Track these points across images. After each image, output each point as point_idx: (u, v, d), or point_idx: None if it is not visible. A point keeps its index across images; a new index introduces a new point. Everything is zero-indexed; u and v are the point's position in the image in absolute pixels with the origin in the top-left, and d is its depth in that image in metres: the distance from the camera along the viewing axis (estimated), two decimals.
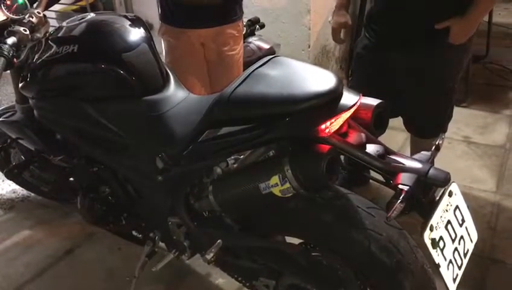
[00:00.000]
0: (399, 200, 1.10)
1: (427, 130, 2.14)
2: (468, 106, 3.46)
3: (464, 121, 3.21)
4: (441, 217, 1.19)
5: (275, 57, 1.36)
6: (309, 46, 3.22)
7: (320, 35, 3.30)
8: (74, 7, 4.08)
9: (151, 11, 4.05)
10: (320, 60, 3.42)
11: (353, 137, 1.22)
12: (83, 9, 4.13)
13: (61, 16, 3.84)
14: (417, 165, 1.18)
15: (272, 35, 2.95)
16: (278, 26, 3.17)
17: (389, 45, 2.00)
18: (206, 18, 2.16)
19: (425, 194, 1.19)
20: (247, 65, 2.40)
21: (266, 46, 2.72)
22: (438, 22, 1.85)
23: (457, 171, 2.57)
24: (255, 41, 2.71)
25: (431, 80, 1.96)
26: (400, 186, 1.13)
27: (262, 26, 2.84)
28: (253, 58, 2.63)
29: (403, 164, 1.19)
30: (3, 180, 2.69)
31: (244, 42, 2.47)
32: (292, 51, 3.15)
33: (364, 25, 2.21)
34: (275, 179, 1.22)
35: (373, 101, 1.28)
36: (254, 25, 2.80)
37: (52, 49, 1.60)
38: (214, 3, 2.13)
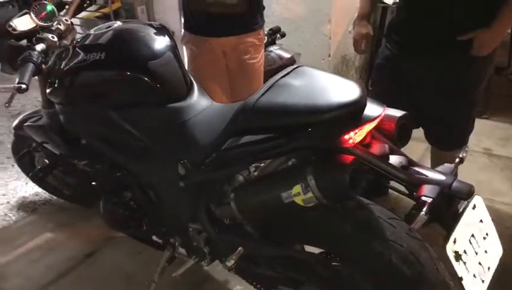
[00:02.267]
0: (422, 212, 1.10)
1: (448, 142, 2.13)
2: (489, 117, 3.43)
3: (485, 133, 3.18)
4: (465, 230, 1.18)
5: (299, 67, 1.37)
6: (329, 56, 3.23)
7: (340, 45, 3.31)
8: (97, 14, 4.15)
9: (173, 19, 4.11)
10: (340, 69, 3.42)
11: (376, 148, 1.23)
12: (106, 17, 4.21)
13: (85, 22, 3.91)
14: (440, 177, 1.18)
15: (292, 45, 2.97)
16: (299, 36, 3.19)
17: (410, 56, 1.99)
18: (227, 27, 2.19)
19: (448, 206, 1.19)
20: (267, 74, 2.42)
21: (287, 55, 2.74)
22: (461, 33, 1.84)
23: (478, 184, 2.50)
24: (275, 50, 2.74)
25: (453, 91, 1.95)
26: (423, 198, 1.13)
27: (283, 35, 2.87)
28: (274, 67, 2.66)
29: (426, 176, 1.19)
30: (26, 183, 2.74)
31: (265, 51, 2.49)
32: (312, 60, 3.16)
33: (385, 35, 2.21)
34: (298, 188, 1.23)
35: (397, 113, 1.28)
36: (275, 34, 2.83)
37: (80, 56, 1.63)
38: (235, 12, 2.16)
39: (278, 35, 2.84)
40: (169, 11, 4.16)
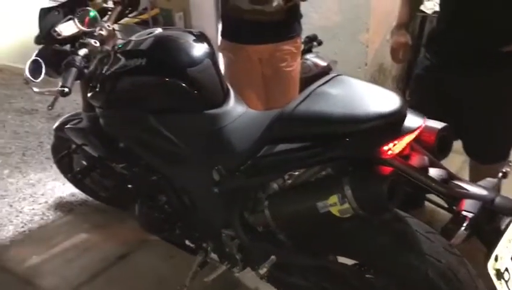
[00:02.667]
0: (462, 227, 1.08)
1: (488, 156, 2.07)
2: None
3: None
4: (507, 247, 1.14)
5: (337, 75, 1.36)
6: (366, 64, 3.21)
7: (377, 53, 3.28)
8: (136, 20, 4.24)
9: (209, 26, 4.16)
10: (376, 78, 3.39)
11: (416, 160, 1.20)
12: (144, 23, 4.28)
13: (124, 28, 4.00)
14: (482, 191, 1.15)
15: (329, 53, 2.95)
16: (335, 44, 3.17)
17: (451, 67, 1.95)
18: (265, 34, 2.20)
19: (490, 222, 1.15)
20: (303, 81, 2.42)
21: (323, 63, 2.73)
22: (506, 44, 1.79)
23: None
24: (312, 58, 2.73)
25: (495, 104, 1.90)
26: (464, 213, 1.10)
27: (319, 43, 2.86)
28: (310, 74, 2.65)
29: (468, 190, 1.16)
30: (64, 184, 2.81)
31: (301, 59, 2.48)
32: (349, 68, 3.14)
33: (424, 45, 2.17)
34: (334, 199, 1.22)
35: (437, 124, 1.26)
36: (311, 42, 2.82)
37: (121, 62, 1.67)
38: (273, 20, 2.16)
39: (315, 43, 2.83)
40: (206, 18, 4.21)
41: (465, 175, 2.25)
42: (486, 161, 2.08)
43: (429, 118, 1.27)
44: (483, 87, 1.90)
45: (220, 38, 2.39)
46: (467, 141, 2.09)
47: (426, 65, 2.07)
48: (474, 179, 2.06)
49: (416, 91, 2.17)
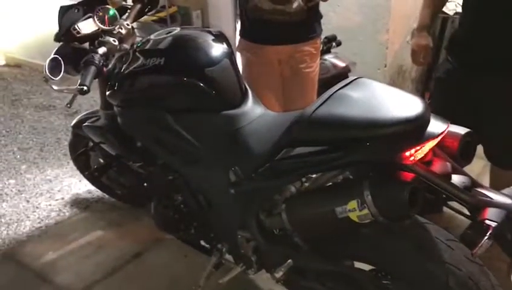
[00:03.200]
0: (486, 237, 1.05)
1: (509, 161, 2.03)
2: None
3: None
4: None
5: (358, 78, 1.34)
6: (385, 66, 3.17)
7: (397, 55, 3.23)
8: (154, 18, 4.25)
9: (227, 25, 4.15)
10: (396, 80, 3.34)
11: (438, 166, 1.18)
12: (162, 21, 4.30)
13: (142, 26, 4.00)
14: (507, 200, 1.12)
15: (348, 53, 2.92)
16: (355, 44, 3.13)
17: (473, 71, 1.91)
18: (285, 35, 2.18)
19: None
20: (321, 82, 2.39)
21: (342, 64, 2.70)
22: None
23: None
24: (330, 59, 2.70)
25: None
26: (487, 221, 1.08)
27: (338, 43, 2.83)
28: (328, 75, 2.63)
29: (491, 198, 1.13)
30: (80, 181, 2.83)
31: (319, 59, 2.46)
32: (368, 69, 3.10)
33: (446, 48, 2.13)
34: (353, 204, 1.20)
35: (461, 130, 1.23)
36: (330, 42, 2.79)
37: (140, 61, 1.67)
38: (293, 20, 2.14)
39: (334, 43, 2.80)
40: (224, 17, 4.21)
41: (486, 180, 2.21)
42: (507, 166, 2.04)
43: (451, 122, 1.24)
44: (506, 92, 1.86)
45: (238, 37, 2.38)
46: (488, 145, 2.05)
47: (448, 68, 2.03)
48: (494, 185, 2.04)
49: (437, 95, 2.13)
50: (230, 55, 1.66)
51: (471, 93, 1.93)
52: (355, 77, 1.35)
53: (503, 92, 1.85)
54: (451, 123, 1.24)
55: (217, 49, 1.65)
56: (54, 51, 1.76)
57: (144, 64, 1.64)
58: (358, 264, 1.49)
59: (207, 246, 1.85)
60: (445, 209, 1.34)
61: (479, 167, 2.63)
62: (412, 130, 1.14)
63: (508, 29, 1.78)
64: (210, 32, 1.72)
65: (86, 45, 1.86)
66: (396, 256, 1.29)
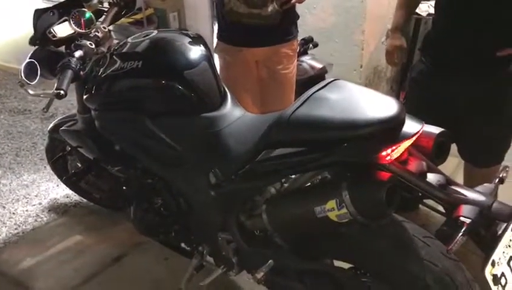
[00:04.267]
0: (460, 233, 1.08)
1: (483, 159, 2.08)
2: None
3: None
4: (503, 252, 1.15)
5: (335, 80, 1.36)
6: (361, 66, 3.21)
7: (372, 56, 3.28)
8: (130, 20, 4.21)
9: (204, 26, 4.14)
10: (371, 80, 3.39)
11: (414, 165, 1.20)
12: (138, 23, 4.26)
13: (118, 28, 3.97)
14: (480, 197, 1.15)
15: (324, 55, 2.96)
16: (331, 46, 3.17)
17: (447, 72, 1.95)
18: (262, 37, 2.19)
19: (487, 228, 1.16)
20: (299, 84, 2.42)
21: (319, 65, 2.73)
22: (501, 48, 1.80)
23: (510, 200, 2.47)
24: (307, 61, 2.73)
25: (491, 109, 1.91)
26: (462, 218, 1.11)
27: (315, 45, 2.86)
28: (305, 77, 2.65)
29: (466, 196, 1.16)
30: (57, 185, 2.79)
31: (297, 61, 2.48)
32: (344, 70, 3.14)
33: (420, 49, 2.18)
34: (332, 204, 1.22)
35: (435, 130, 1.26)
36: (307, 44, 2.82)
37: (117, 64, 1.66)
38: (269, 23, 2.16)
39: (311, 45, 2.83)
40: (200, 19, 4.20)
41: (460, 178, 2.26)
42: (481, 164, 2.10)
43: (426, 122, 1.27)
44: (478, 92, 1.90)
45: (215, 39, 2.39)
46: (461, 144, 2.10)
47: (422, 69, 2.07)
48: (468, 182, 2.09)
49: (412, 95, 2.17)
50: (208, 57, 1.67)
51: (445, 94, 1.97)
52: (332, 79, 1.37)
53: (476, 92, 1.90)
54: (425, 123, 1.27)
55: (195, 52, 1.65)
56: (30, 54, 1.73)
57: (122, 67, 1.63)
58: (338, 263, 1.51)
59: (187, 248, 1.85)
60: (421, 207, 1.37)
61: (453, 165, 2.68)
62: (388, 130, 1.16)
63: (480, 30, 1.82)
64: (188, 35, 1.72)
65: (62, 48, 1.84)
66: (375, 254, 1.31)
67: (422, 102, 2.01)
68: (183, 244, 1.87)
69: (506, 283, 1.15)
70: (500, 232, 1.16)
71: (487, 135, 1.99)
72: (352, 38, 3.16)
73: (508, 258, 1.16)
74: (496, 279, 1.12)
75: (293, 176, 1.44)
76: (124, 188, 1.95)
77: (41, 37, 1.79)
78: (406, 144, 1.18)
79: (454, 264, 1.24)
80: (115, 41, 1.87)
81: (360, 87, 1.34)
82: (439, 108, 1.94)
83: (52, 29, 1.77)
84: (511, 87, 1.88)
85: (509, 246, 1.17)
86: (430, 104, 1.97)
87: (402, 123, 1.19)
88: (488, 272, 1.11)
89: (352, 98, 1.27)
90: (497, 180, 1.25)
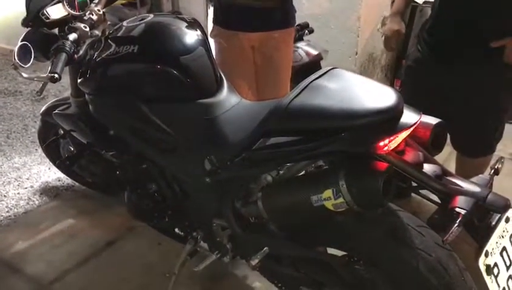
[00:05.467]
0: (456, 224, 1.09)
1: (474, 149, 2.10)
2: None
3: (511, 138, 3.11)
4: (497, 243, 1.16)
5: (334, 68, 1.36)
6: (356, 53, 3.20)
7: (368, 43, 3.27)
8: (123, 1, 4.15)
9: (197, 9, 4.11)
10: (366, 67, 3.39)
11: (411, 156, 1.21)
12: (131, 4, 4.21)
13: (111, 9, 3.91)
14: (475, 189, 1.16)
15: (320, 41, 2.94)
16: (327, 32, 3.15)
17: (442, 60, 1.96)
18: (259, 22, 2.17)
19: (481, 218, 1.17)
20: (294, 70, 2.40)
21: (314, 52, 2.71)
22: (495, 39, 1.80)
23: (504, 191, 2.48)
24: (303, 47, 2.71)
25: (483, 99, 1.92)
26: (457, 209, 1.11)
27: (311, 31, 2.84)
28: (301, 63, 2.63)
29: (461, 187, 1.17)
30: (49, 168, 2.77)
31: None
32: (339, 57, 3.13)
33: (416, 37, 2.17)
34: (328, 193, 1.22)
35: (432, 120, 1.26)
36: (303, 30, 2.80)
37: (112, 48, 1.63)
38: (267, 6, 2.13)
39: (306, 31, 2.81)
40: (194, 1, 4.16)
41: (452, 166, 2.28)
42: (472, 154, 2.12)
43: (421, 111, 1.27)
44: (472, 84, 1.91)
45: (210, 23, 2.36)
46: (453, 133, 2.11)
47: (417, 57, 2.07)
48: (460, 171, 2.11)
49: (407, 83, 2.18)
50: (204, 42, 1.65)
51: (438, 82, 1.98)
52: (330, 68, 1.36)
53: (472, 81, 1.90)
54: (421, 112, 1.27)
55: (192, 37, 1.63)
56: (22, 37, 1.70)
57: (117, 51, 1.61)
58: (331, 250, 1.52)
59: (181, 234, 1.85)
60: (413, 195, 1.38)
61: (445, 154, 2.69)
62: (387, 121, 1.16)
63: (476, 19, 1.82)
64: (184, 20, 1.70)
65: (56, 30, 1.81)
66: (369, 242, 1.32)
67: (417, 90, 2.01)
68: (176, 230, 1.87)
69: (498, 273, 1.16)
70: (494, 223, 1.17)
71: (479, 126, 2.00)
72: (347, 24, 3.15)
73: (501, 248, 1.18)
74: (489, 269, 1.14)
75: (289, 165, 1.45)
76: (118, 173, 1.94)
77: (34, 18, 1.75)
78: (404, 134, 1.18)
79: (447, 254, 1.26)
80: (109, 23, 1.84)
81: (359, 76, 1.33)
82: (434, 97, 1.94)
83: (45, 11, 1.73)
84: (504, 78, 1.88)
85: (503, 236, 1.19)
86: (425, 93, 1.98)
87: (400, 114, 1.19)
88: (482, 262, 1.13)
89: (350, 87, 1.27)
90: (492, 171, 1.26)
